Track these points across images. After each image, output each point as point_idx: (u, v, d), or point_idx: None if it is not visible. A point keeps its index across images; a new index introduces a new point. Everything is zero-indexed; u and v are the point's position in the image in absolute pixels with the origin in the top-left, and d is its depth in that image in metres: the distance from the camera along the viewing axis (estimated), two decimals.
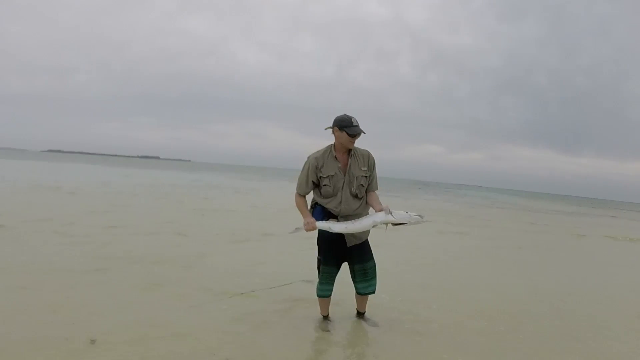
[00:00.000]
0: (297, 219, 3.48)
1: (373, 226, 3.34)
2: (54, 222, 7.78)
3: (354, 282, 3.66)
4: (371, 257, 3.63)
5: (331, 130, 3.42)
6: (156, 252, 6.02)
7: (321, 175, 3.43)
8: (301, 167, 3.54)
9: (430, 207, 20.82)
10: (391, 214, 3.24)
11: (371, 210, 3.51)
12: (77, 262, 5.19)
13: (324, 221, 3.40)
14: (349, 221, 3.36)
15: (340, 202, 3.43)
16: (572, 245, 10.97)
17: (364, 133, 3.35)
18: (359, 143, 3.52)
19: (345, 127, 3.33)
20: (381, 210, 3.33)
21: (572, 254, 9.50)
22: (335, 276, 3.63)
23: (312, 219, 3.38)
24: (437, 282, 5.61)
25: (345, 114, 3.38)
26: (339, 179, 3.43)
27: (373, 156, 3.57)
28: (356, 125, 3.33)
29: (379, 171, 3.63)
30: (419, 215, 3.27)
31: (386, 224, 3.30)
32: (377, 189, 3.60)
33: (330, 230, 3.35)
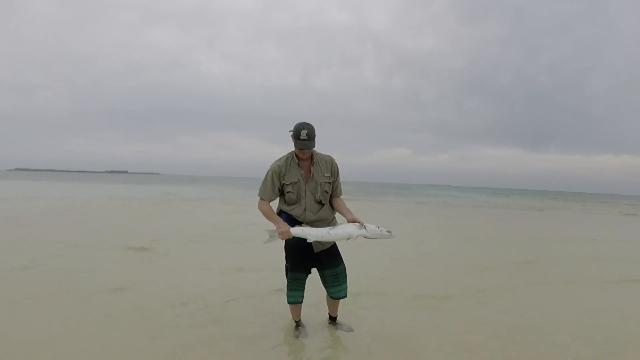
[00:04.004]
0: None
1: (347, 239, 3.36)
2: None
3: (326, 286, 3.64)
4: (341, 261, 3.63)
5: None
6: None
7: (284, 182, 3.41)
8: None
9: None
10: (365, 228, 3.32)
11: (343, 219, 3.48)
12: None
13: (300, 227, 3.38)
14: (325, 229, 3.36)
15: (305, 209, 3.42)
16: None
17: (312, 148, 3.27)
18: (325, 149, 3.53)
19: (295, 137, 3.26)
20: (353, 220, 3.34)
21: None
22: (305, 281, 3.60)
23: (287, 227, 3.32)
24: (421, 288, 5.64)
25: (301, 124, 3.25)
26: (302, 186, 3.41)
27: (336, 162, 3.54)
28: (303, 139, 3.22)
29: (347, 176, 3.60)
30: (389, 232, 3.38)
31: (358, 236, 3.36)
32: (341, 194, 3.60)
33: (305, 237, 3.33)
